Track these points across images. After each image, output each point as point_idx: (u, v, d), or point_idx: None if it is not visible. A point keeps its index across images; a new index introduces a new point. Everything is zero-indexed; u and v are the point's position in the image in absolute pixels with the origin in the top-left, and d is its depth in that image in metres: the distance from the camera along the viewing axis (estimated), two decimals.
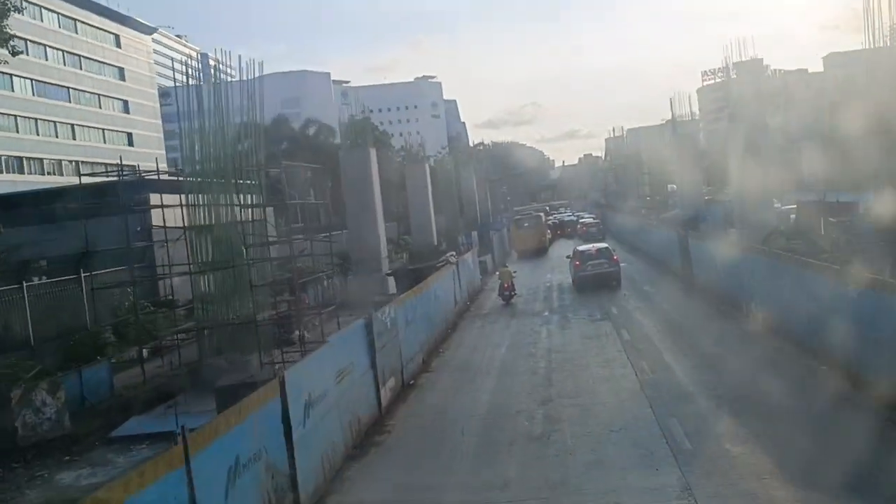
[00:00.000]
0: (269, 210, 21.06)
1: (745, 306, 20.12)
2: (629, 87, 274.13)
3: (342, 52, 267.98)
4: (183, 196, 17.41)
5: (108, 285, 20.78)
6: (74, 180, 24.23)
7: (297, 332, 23.18)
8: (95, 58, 74.25)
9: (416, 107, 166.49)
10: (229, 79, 19.33)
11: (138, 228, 22.45)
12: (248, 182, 18.13)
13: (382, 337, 15.12)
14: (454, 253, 30.37)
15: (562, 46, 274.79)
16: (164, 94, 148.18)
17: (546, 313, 26.23)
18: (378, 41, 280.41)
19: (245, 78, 19.03)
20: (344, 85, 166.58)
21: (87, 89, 73.06)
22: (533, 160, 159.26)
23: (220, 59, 19.96)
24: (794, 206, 30.09)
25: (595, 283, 29.58)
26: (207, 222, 17.01)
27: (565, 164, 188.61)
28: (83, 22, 72.93)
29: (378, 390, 14.37)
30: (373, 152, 31.90)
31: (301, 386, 10.18)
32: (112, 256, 21.25)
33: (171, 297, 22.71)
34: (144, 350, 19.11)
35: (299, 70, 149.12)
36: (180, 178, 18.68)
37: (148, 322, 20.95)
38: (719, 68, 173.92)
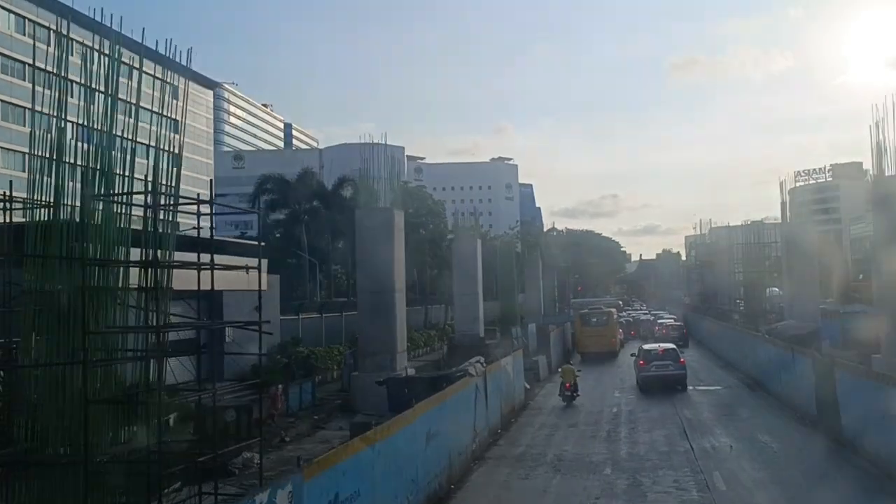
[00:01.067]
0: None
1: None
2: (709, 186, 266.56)
3: (425, 133, 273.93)
4: None
5: None
6: None
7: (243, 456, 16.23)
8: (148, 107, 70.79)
9: (489, 187, 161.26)
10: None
11: None
12: None
13: None
14: (481, 359, 22.50)
15: (644, 140, 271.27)
16: (237, 156, 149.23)
17: (608, 470, 16.76)
18: (461, 126, 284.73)
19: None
20: (419, 161, 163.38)
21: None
22: (608, 251, 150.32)
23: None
24: None
25: (660, 385, 28.64)
26: None
27: (643, 257, 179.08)
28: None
29: None
30: (399, 216, 24.84)
31: None
32: None
33: None
34: None
35: (371, 143, 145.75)
36: None
37: None
38: (816, 169, 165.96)
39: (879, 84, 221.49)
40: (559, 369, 28.59)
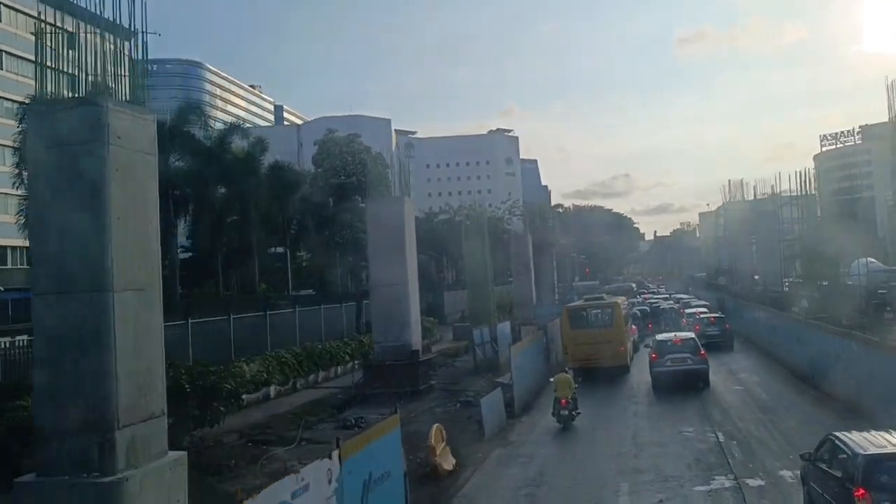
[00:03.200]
0: None
1: None
2: (722, 163, 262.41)
3: (430, 119, 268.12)
4: None
5: None
6: None
7: None
8: None
9: (487, 163, 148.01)
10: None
11: None
12: None
13: None
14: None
15: (655, 119, 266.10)
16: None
17: None
18: (470, 109, 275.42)
19: None
20: (409, 136, 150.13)
21: None
22: (620, 228, 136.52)
23: None
24: None
25: (677, 382, 24.11)
26: None
27: (657, 234, 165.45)
28: None
29: None
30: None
31: None
32: None
33: None
34: None
35: (353, 115, 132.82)
36: None
37: None
38: (844, 132, 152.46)
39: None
40: (551, 379, 22.03)
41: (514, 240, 51.29)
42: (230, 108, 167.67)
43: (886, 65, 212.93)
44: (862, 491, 9.90)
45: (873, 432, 11.34)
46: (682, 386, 24.10)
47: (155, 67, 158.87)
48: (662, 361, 25.02)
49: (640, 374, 28.30)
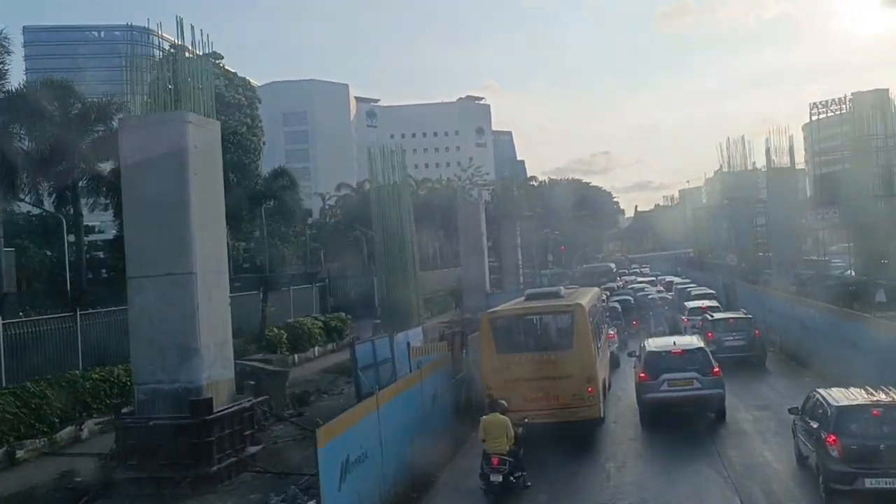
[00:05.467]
0: None
1: None
2: (704, 140, 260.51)
3: (407, 96, 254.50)
4: None
5: None
6: None
7: None
8: None
9: (457, 132, 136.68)
10: None
11: None
12: None
13: None
14: None
15: (635, 96, 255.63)
16: None
17: None
18: (449, 86, 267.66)
19: None
20: (372, 104, 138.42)
21: None
22: (599, 203, 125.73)
23: None
24: None
25: (679, 416, 16.32)
26: None
27: (638, 209, 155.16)
28: None
29: None
30: None
31: None
32: None
33: None
34: None
35: (306, 79, 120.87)
36: None
37: None
38: (835, 100, 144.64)
39: (877, 26, 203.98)
40: (480, 419, 13.36)
41: (463, 211, 40.60)
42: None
43: (872, 38, 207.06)
44: (833, 437, 11.27)
45: (853, 388, 12.53)
46: (686, 421, 16.28)
47: (103, 34, 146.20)
48: (656, 385, 16.60)
49: (622, 402, 18.73)
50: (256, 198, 28.47)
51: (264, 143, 25.16)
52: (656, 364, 16.78)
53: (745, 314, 24.20)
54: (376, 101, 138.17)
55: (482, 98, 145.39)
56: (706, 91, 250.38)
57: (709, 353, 17.08)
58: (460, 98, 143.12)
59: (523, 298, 19.00)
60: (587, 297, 18.45)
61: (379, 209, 25.77)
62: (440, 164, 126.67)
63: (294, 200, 32.50)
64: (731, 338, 22.04)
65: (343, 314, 31.78)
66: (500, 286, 47.18)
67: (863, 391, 12.26)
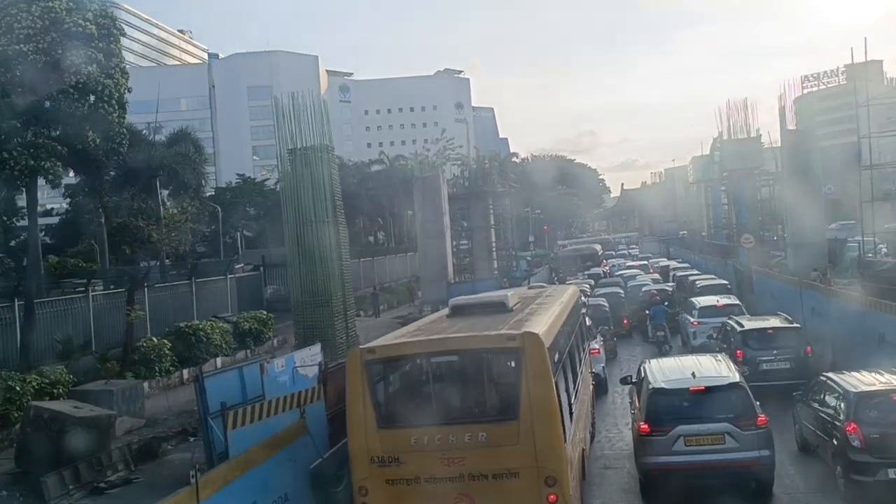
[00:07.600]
0: None
1: None
2: (687, 120, 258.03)
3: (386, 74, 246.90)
4: None
5: None
6: None
7: None
8: None
9: (434, 108, 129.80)
10: None
11: None
12: None
13: None
14: None
15: (620, 75, 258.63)
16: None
17: None
18: (432, 66, 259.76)
19: None
20: (345, 78, 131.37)
21: None
22: (584, 180, 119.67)
23: None
24: None
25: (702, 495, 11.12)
26: None
27: (624, 187, 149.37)
28: None
29: None
30: None
31: None
32: None
33: None
34: None
35: (272, 51, 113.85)
36: None
37: None
38: (827, 72, 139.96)
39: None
40: None
41: (419, 186, 34.46)
42: (164, 57, 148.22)
43: (858, 13, 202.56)
44: (853, 426, 10.33)
45: (863, 372, 11.70)
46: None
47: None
48: (666, 443, 10.82)
49: (612, 471, 13.08)
50: (96, 163, 22.07)
51: (129, 90, 18.83)
52: (666, 409, 11.04)
53: (789, 321, 17.30)
54: (349, 74, 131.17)
55: (461, 71, 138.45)
56: (688, 68, 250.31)
57: (748, 391, 11.15)
58: (438, 71, 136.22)
59: (446, 313, 11.68)
60: (552, 312, 11.32)
61: (292, 182, 19.69)
62: (417, 141, 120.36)
63: (196, 174, 26.34)
64: (771, 357, 15.73)
65: (265, 312, 25.72)
66: (473, 271, 41.37)
67: (874, 375, 11.51)
